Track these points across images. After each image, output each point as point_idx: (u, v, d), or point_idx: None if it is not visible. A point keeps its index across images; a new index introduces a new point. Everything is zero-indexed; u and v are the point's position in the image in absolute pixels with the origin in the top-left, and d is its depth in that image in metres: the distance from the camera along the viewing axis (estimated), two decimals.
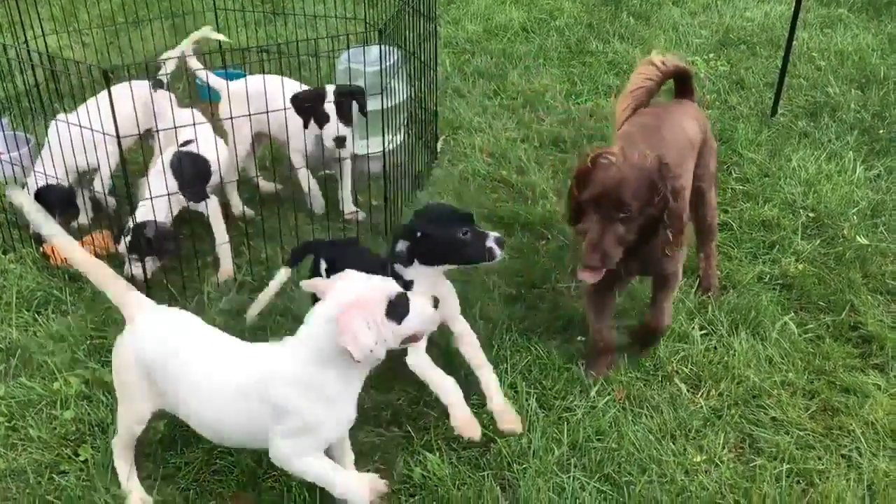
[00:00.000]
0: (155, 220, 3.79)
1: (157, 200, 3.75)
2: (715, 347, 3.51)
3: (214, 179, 4.11)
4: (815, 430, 3.14)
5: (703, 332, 3.59)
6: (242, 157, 4.37)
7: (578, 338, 3.61)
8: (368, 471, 2.83)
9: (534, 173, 4.86)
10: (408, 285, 2.94)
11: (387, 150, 4.23)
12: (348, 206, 4.42)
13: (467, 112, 5.58)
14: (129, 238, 3.80)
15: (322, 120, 3.99)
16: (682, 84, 3.83)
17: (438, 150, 5.12)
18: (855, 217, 4.37)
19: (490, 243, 2.93)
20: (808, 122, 5.37)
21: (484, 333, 3.56)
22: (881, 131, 5.21)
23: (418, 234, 2.92)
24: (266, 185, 4.64)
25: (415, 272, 2.99)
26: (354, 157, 4.46)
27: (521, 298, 3.87)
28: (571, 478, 2.90)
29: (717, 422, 3.16)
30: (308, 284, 2.71)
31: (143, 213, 3.82)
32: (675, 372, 3.40)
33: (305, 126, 4.02)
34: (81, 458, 3.00)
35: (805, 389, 3.33)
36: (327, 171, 4.55)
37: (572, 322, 3.68)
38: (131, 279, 3.77)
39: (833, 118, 5.38)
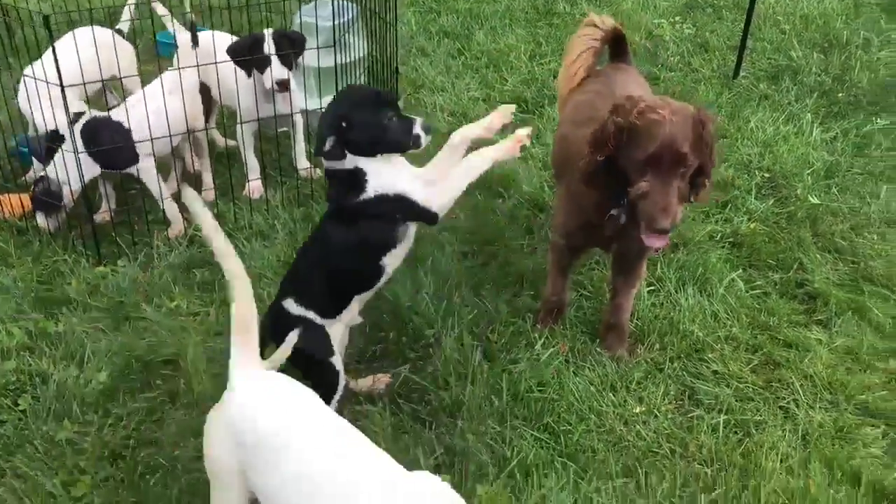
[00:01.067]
0: (46, 176, 3.78)
1: (63, 159, 3.71)
2: (662, 303, 3.53)
3: (144, 148, 3.83)
4: (755, 384, 3.17)
5: (650, 288, 3.61)
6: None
7: (527, 293, 3.62)
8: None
9: (495, 133, 4.83)
10: (360, 175, 2.70)
11: None
12: (302, 163, 4.39)
13: (430, 71, 5.54)
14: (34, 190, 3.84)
15: (262, 65, 3.93)
16: (617, 46, 3.67)
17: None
18: (809, 178, 4.39)
19: (417, 129, 2.74)
20: (769, 84, 5.37)
21: (435, 289, 3.57)
22: (840, 94, 5.23)
23: (343, 123, 2.64)
24: (219, 140, 4.60)
25: (353, 163, 2.70)
26: (306, 114, 4.41)
27: (474, 255, 3.88)
28: (509, 427, 2.92)
29: (659, 375, 3.19)
30: None
31: (51, 168, 3.79)
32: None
33: (248, 75, 3.96)
34: (20, 408, 2.98)
35: (748, 344, 3.36)
36: (281, 129, 4.51)
37: (522, 278, 3.69)
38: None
39: (794, 81, 5.38)
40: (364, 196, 2.71)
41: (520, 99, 5.25)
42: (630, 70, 3.62)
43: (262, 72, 3.95)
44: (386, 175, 2.72)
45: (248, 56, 3.90)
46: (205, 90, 4.12)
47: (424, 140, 2.76)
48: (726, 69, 5.58)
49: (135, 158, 3.84)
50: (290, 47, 3.96)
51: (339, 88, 4.08)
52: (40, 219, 3.88)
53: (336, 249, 2.77)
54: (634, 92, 3.29)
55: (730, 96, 5.22)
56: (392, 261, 2.82)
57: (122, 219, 3.93)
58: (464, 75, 5.53)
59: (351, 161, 2.70)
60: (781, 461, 2.83)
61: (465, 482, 2.73)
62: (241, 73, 3.94)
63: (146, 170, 3.88)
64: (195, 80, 3.98)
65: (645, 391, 3.11)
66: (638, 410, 3.02)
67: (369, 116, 2.66)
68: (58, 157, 3.75)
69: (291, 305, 2.81)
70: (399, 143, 2.72)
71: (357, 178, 2.71)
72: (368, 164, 2.71)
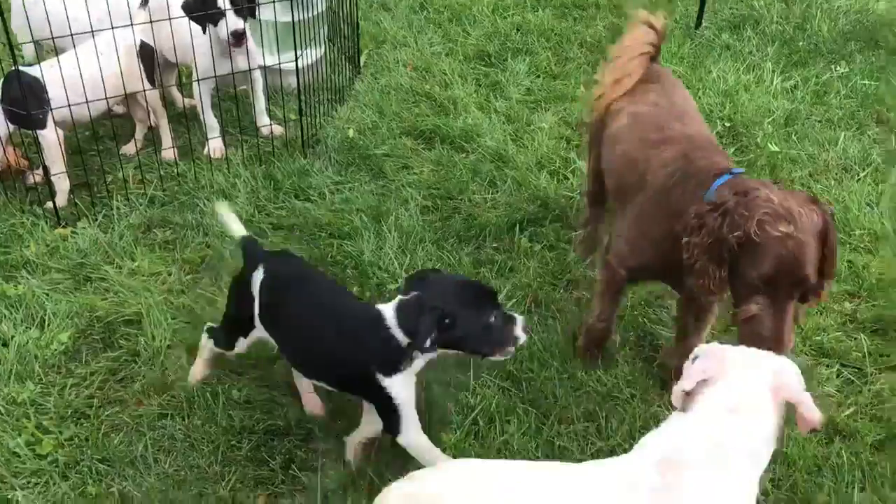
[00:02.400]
0: None
1: None
2: None
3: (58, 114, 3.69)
4: (713, 328, 3.22)
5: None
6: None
7: (490, 245, 3.64)
8: None
9: (457, 87, 4.82)
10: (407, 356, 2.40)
11: (301, 62, 4.15)
12: (262, 120, 4.34)
13: (392, 26, 5.48)
14: None
15: (216, 17, 3.86)
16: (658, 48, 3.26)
17: (361, 64, 5.03)
18: (770, 126, 4.43)
19: (518, 331, 2.39)
20: (730, 34, 5.39)
21: (398, 244, 3.58)
22: (801, 43, 5.26)
23: (446, 320, 2.30)
24: (178, 100, 4.53)
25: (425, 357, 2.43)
26: (265, 70, 4.35)
27: (437, 209, 3.88)
28: (472, 376, 2.95)
29: (620, 321, 3.23)
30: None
31: None
32: (581, 277, 3.46)
33: (204, 30, 3.89)
34: None
35: None
36: (241, 87, 4.44)
37: (485, 231, 3.70)
38: None
39: (755, 30, 5.40)
40: (383, 379, 2.40)
41: (483, 52, 5.22)
42: (667, 74, 3.27)
43: (216, 24, 3.88)
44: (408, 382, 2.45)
45: (202, 11, 3.82)
46: (149, 51, 4.02)
47: (522, 342, 2.43)
48: (688, 20, 5.58)
49: (41, 123, 3.67)
50: (245, 0, 3.90)
51: (298, 44, 4.05)
52: None
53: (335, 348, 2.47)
54: (688, 106, 3.02)
55: (692, 47, 5.23)
56: None
57: (82, 180, 3.87)
58: (426, 30, 5.48)
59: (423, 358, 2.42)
60: None
61: (430, 431, 2.76)
62: (197, 29, 3.87)
63: (49, 140, 3.69)
64: (131, 41, 3.87)
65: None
66: (601, 357, 3.06)
67: (475, 316, 2.34)
68: None
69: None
70: (500, 344, 2.39)
71: (402, 356, 2.40)
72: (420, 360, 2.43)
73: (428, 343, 2.28)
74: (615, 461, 1.95)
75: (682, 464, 1.81)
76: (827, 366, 3.09)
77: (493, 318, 2.35)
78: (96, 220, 3.72)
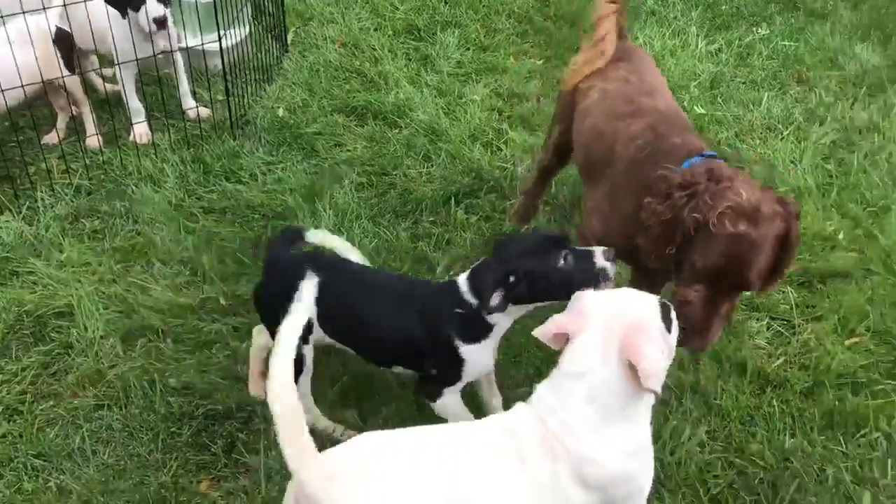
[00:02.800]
0: None
1: None
2: (555, 220, 3.61)
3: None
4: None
5: (547, 207, 3.68)
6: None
7: (427, 219, 3.65)
8: None
9: (388, 62, 4.79)
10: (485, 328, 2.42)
11: (225, 42, 4.07)
12: (187, 103, 4.26)
13: (319, 2, 5.41)
14: None
15: (137, 4, 3.77)
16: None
17: (289, 42, 4.96)
18: (696, 89, 4.51)
19: (599, 261, 2.33)
20: (655, 0, 5.45)
21: (334, 223, 3.56)
22: (724, 7, 5.36)
23: (511, 278, 2.31)
24: (99, 85, 4.42)
25: (503, 316, 2.41)
26: (188, 52, 4.26)
27: (372, 186, 3.86)
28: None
29: None
30: (542, 332, 2.01)
31: None
32: None
33: (123, 15, 3.79)
34: None
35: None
36: (164, 70, 4.35)
37: (421, 206, 3.70)
38: None
39: None
40: (461, 346, 2.42)
41: (412, 26, 5.20)
42: (638, 51, 3.22)
43: (137, 10, 3.78)
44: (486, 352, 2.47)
45: None
46: (66, 36, 3.90)
47: (612, 271, 2.34)
48: None
49: None
50: None
51: (221, 24, 3.98)
52: None
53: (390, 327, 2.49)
54: (658, 83, 2.97)
55: None
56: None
57: (3, 173, 3.75)
58: (353, 5, 5.42)
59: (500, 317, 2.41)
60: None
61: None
62: (115, 13, 3.77)
63: None
64: (45, 27, 3.76)
65: None
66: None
67: (540, 264, 2.31)
68: None
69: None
70: (582, 282, 2.27)
71: (480, 328, 2.42)
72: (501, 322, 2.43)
73: (495, 302, 2.30)
74: (504, 414, 2.04)
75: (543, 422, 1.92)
76: (757, 319, 3.18)
77: (562, 261, 2.31)
78: (20, 212, 3.61)
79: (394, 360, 2.56)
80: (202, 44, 4.15)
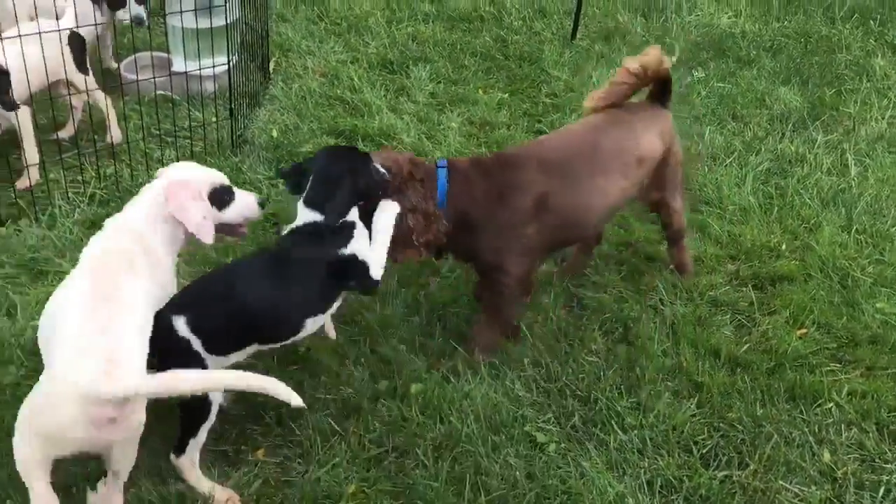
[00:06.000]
0: None
1: None
2: None
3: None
4: (626, 289, 3.74)
5: None
6: None
7: None
8: None
9: (367, 92, 5.16)
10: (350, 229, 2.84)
11: (218, 68, 4.39)
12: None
13: (295, 35, 5.77)
14: None
15: (117, 4, 4.09)
16: (659, 87, 3.51)
17: (271, 70, 5.28)
18: None
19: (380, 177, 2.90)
20: (603, 45, 6.03)
21: None
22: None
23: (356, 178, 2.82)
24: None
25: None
26: (186, 76, 4.54)
27: None
28: (435, 338, 3.32)
29: (549, 287, 3.68)
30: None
31: None
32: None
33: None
34: None
35: (617, 259, 3.94)
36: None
37: None
38: None
39: (623, 41, 6.07)
40: (341, 252, 2.78)
41: (385, 60, 5.60)
42: (656, 115, 3.48)
43: (115, 9, 4.24)
44: (362, 234, 2.85)
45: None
46: (79, 38, 4.16)
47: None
48: (564, 32, 6.19)
49: (12, 105, 3.84)
50: None
51: (218, 49, 4.31)
52: None
53: (263, 295, 2.70)
54: (638, 140, 3.34)
55: (571, 55, 5.83)
56: (313, 325, 2.84)
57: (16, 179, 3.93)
58: (328, 39, 5.80)
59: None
60: (657, 344, 3.40)
61: (400, 384, 3.10)
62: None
63: (24, 119, 3.90)
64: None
65: (540, 299, 3.59)
66: (536, 317, 3.50)
67: (365, 174, 2.83)
68: None
69: (181, 325, 2.61)
70: (381, 189, 2.90)
71: (346, 233, 2.81)
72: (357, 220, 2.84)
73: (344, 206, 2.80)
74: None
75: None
76: (722, 314, 3.66)
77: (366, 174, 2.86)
78: (38, 219, 3.79)
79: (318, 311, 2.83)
80: (199, 69, 4.44)
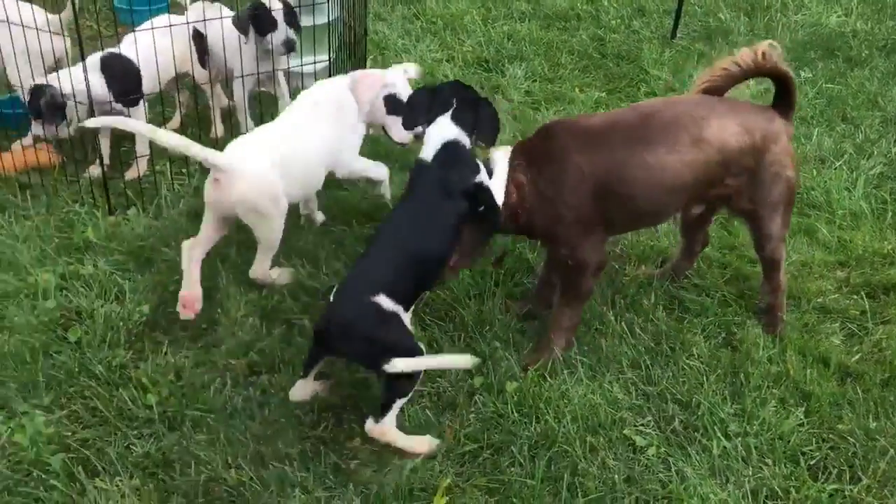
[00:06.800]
0: (47, 85, 3.90)
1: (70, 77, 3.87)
2: (642, 231, 3.93)
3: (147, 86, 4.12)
4: (730, 293, 3.62)
5: None
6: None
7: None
8: None
9: None
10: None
11: (318, 65, 4.45)
12: None
13: (391, 34, 5.81)
14: (29, 97, 3.96)
15: (268, 27, 4.14)
16: (780, 90, 3.33)
17: (368, 67, 5.32)
18: None
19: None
20: (703, 44, 5.88)
21: None
22: None
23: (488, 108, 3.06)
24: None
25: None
26: (288, 72, 4.62)
27: None
28: (528, 336, 3.28)
29: (649, 288, 3.59)
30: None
31: (53, 77, 3.94)
32: (608, 252, 3.81)
33: (245, 37, 4.18)
34: (72, 340, 3.13)
35: (720, 262, 3.81)
36: (262, 89, 4.69)
37: None
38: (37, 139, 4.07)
39: (726, 41, 5.90)
40: (479, 179, 2.91)
41: (480, 59, 5.59)
42: (756, 113, 3.24)
43: (264, 34, 4.21)
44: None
45: (255, 26, 4.17)
46: (201, 36, 4.29)
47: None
48: (664, 31, 6.06)
49: (136, 101, 4.02)
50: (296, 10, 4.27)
51: (320, 48, 4.36)
52: (37, 128, 3.99)
53: (446, 232, 2.87)
54: (712, 127, 3.07)
55: (671, 54, 5.70)
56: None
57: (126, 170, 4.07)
58: (423, 38, 5.82)
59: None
60: (762, 350, 3.27)
61: (496, 381, 3.07)
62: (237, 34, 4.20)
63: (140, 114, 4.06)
64: (183, 28, 4.17)
65: (642, 301, 3.50)
66: (637, 318, 3.41)
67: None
68: (64, 72, 3.92)
69: (385, 301, 2.72)
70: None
71: (476, 164, 2.95)
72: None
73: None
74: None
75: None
76: (831, 322, 3.50)
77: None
78: (145, 209, 3.91)
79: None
80: (300, 65, 4.51)
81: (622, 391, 3.10)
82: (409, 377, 2.70)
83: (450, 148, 2.89)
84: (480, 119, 2.95)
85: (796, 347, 3.31)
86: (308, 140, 3.45)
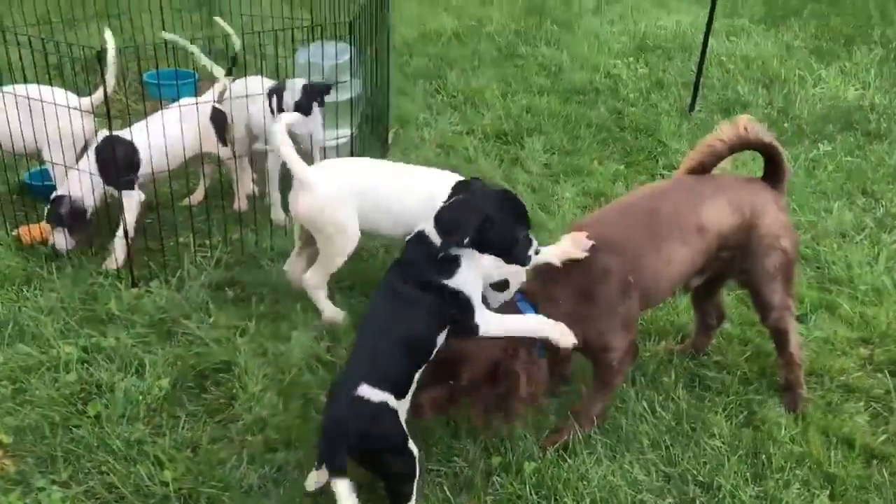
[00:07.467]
0: (70, 196, 4.00)
1: (78, 178, 4.00)
2: (661, 306, 3.92)
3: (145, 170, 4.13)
4: (751, 370, 3.58)
5: None
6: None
7: None
8: None
9: (482, 161, 5.23)
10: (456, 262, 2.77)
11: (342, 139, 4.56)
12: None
13: (412, 108, 5.92)
14: (47, 208, 4.04)
15: (308, 109, 4.24)
16: (769, 161, 3.32)
17: (390, 141, 5.43)
18: None
19: (532, 251, 2.83)
20: (722, 116, 5.92)
21: None
22: (785, 124, 5.83)
23: (487, 225, 2.69)
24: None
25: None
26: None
27: None
28: (547, 415, 3.25)
29: (669, 366, 3.56)
30: None
31: (64, 187, 4.04)
32: None
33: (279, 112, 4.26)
34: (91, 414, 3.15)
35: (740, 338, 3.78)
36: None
37: None
38: (54, 250, 4.07)
39: (744, 113, 5.94)
40: (448, 282, 2.74)
41: (500, 132, 5.68)
42: (742, 188, 3.26)
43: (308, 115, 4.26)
44: (473, 276, 2.81)
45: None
46: (221, 114, 4.40)
47: (532, 262, 2.89)
48: (682, 104, 6.13)
49: (126, 185, 4.02)
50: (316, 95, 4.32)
51: (340, 121, 4.45)
52: (59, 238, 4.04)
53: (416, 319, 2.74)
54: (702, 207, 3.13)
55: (689, 127, 5.76)
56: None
57: (154, 245, 4.15)
58: (444, 112, 5.93)
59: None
60: (784, 430, 3.22)
61: (514, 461, 3.04)
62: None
63: (131, 202, 4.04)
64: (205, 109, 4.30)
65: (662, 379, 3.47)
66: (657, 396, 3.38)
67: (510, 228, 2.75)
68: (73, 175, 4.03)
69: (369, 391, 2.62)
70: (522, 259, 2.82)
71: (452, 265, 2.75)
72: (470, 258, 2.78)
73: (467, 240, 2.66)
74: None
75: None
76: (855, 401, 3.44)
77: (521, 235, 2.78)
78: (168, 281, 3.96)
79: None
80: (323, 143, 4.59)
81: (642, 472, 3.05)
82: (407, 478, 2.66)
83: (419, 237, 2.79)
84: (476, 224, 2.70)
85: (819, 427, 3.26)
86: (402, 187, 3.53)
